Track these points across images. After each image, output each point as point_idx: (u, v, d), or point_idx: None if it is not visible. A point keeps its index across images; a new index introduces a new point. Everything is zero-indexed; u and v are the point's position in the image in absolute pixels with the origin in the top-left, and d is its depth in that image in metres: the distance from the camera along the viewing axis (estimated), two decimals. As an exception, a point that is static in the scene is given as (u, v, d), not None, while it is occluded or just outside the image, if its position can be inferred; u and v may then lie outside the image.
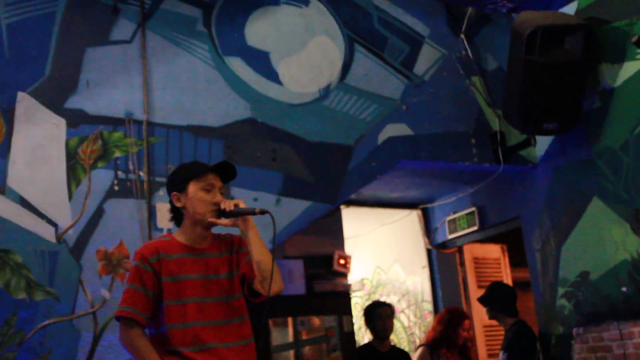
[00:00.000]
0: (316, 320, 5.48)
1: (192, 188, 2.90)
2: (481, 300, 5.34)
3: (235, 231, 2.99)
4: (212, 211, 2.88)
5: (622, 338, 4.74)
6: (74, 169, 4.19)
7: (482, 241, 6.41)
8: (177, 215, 2.98)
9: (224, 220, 2.87)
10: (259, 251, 2.84)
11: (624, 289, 4.76)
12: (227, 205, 2.84)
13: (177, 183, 2.96)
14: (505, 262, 6.64)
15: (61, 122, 4.22)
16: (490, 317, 5.32)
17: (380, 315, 5.21)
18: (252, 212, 2.83)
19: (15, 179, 4.05)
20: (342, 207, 5.74)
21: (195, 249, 2.92)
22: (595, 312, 4.97)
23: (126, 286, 2.87)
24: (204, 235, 2.94)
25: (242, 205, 2.85)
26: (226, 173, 2.99)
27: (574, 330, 5.11)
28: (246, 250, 2.92)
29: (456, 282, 6.44)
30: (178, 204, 2.94)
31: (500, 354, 5.12)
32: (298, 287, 5.20)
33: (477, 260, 6.49)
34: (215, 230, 3.01)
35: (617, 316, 4.78)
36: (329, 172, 4.86)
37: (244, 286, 2.94)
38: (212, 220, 2.88)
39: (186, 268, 2.86)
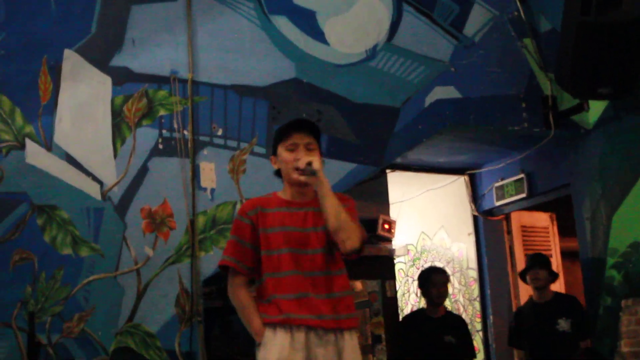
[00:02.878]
0: (359, 285, 5.45)
1: (280, 150, 3.00)
2: (542, 264, 5.22)
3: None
4: (294, 170, 2.94)
5: (674, 310, 4.61)
6: (119, 127, 4.20)
7: (531, 209, 6.27)
8: (280, 176, 3.08)
9: (301, 177, 2.91)
10: (328, 207, 2.86)
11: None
12: (300, 163, 2.90)
13: (273, 147, 3.07)
14: (554, 231, 6.49)
15: (107, 80, 4.22)
16: (545, 283, 5.19)
17: (434, 281, 5.13)
18: (311, 172, 2.87)
19: (62, 136, 4.08)
20: (387, 171, 5.67)
21: (294, 203, 2.99)
22: (646, 283, 4.84)
23: (228, 238, 3.05)
24: (302, 191, 3.00)
25: (315, 163, 2.87)
26: (310, 130, 3.03)
27: (623, 302, 4.98)
28: (345, 206, 2.93)
29: (502, 250, 6.32)
30: (275, 167, 3.06)
31: (562, 321, 5.02)
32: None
33: (524, 229, 6.35)
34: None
35: (669, 288, 4.66)
36: (374, 135, 4.79)
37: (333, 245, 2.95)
38: (295, 177, 2.93)
39: (284, 220, 2.94)
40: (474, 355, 5.24)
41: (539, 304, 5.23)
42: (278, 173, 3.07)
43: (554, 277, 5.26)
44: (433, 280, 5.14)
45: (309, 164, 2.87)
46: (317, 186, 2.88)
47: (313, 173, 2.86)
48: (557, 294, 5.29)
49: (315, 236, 2.92)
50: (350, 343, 2.91)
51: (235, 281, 2.97)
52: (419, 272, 5.48)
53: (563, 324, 5.04)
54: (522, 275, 5.37)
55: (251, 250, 2.94)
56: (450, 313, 5.42)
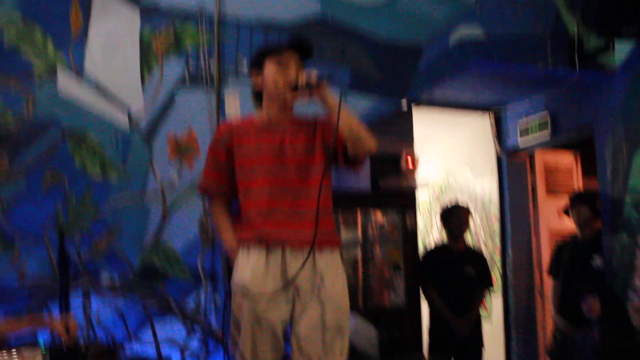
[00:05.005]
0: (379, 217, 5.58)
1: (268, 64, 2.91)
2: (585, 198, 5.32)
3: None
4: (287, 87, 2.86)
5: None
6: (147, 58, 4.35)
7: (555, 147, 6.31)
8: (258, 93, 3.01)
9: (300, 93, 2.83)
10: (345, 115, 2.75)
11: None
12: (301, 79, 2.81)
13: (255, 60, 2.99)
14: (577, 170, 6.52)
15: (135, 13, 4.37)
16: (587, 218, 5.28)
17: (456, 215, 5.33)
18: (320, 82, 2.76)
19: (92, 66, 4.25)
20: (413, 105, 5.73)
21: (272, 124, 2.94)
22: (663, 221, 4.90)
23: (206, 161, 3.07)
24: (283, 111, 2.95)
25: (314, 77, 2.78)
26: (303, 49, 2.94)
27: (638, 237, 5.05)
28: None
29: (525, 187, 6.38)
30: (258, 81, 2.97)
31: (597, 257, 5.15)
32: (363, 183, 5.27)
33: (548, 167, 6.40)
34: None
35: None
36: (398, 72, 4.88)
37: (337, 155, 2.89)
38: (290, 94, 2.85)
39: (260, 140, 2.91)
40: (491, 284, 5.46)
41: (579, 241, 5.33)
42: (258, 96, 3.00)
43: (596, 214, 5.29)
44: (454, 214, 5.33)
45: (309, 77, 2.77)
46: (326, 96, 2.75)
47: (320, 83, 2.73)
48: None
49: (293, 155, 2.88)
50: (330, 259, 2.88)
51: (213, 203, 3.05)
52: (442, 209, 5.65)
53: (598, 261, 5.15)
54: (566, 212, 5.46)
55: (228, 172, 2.95)
56: (469, 247, 5.59)
